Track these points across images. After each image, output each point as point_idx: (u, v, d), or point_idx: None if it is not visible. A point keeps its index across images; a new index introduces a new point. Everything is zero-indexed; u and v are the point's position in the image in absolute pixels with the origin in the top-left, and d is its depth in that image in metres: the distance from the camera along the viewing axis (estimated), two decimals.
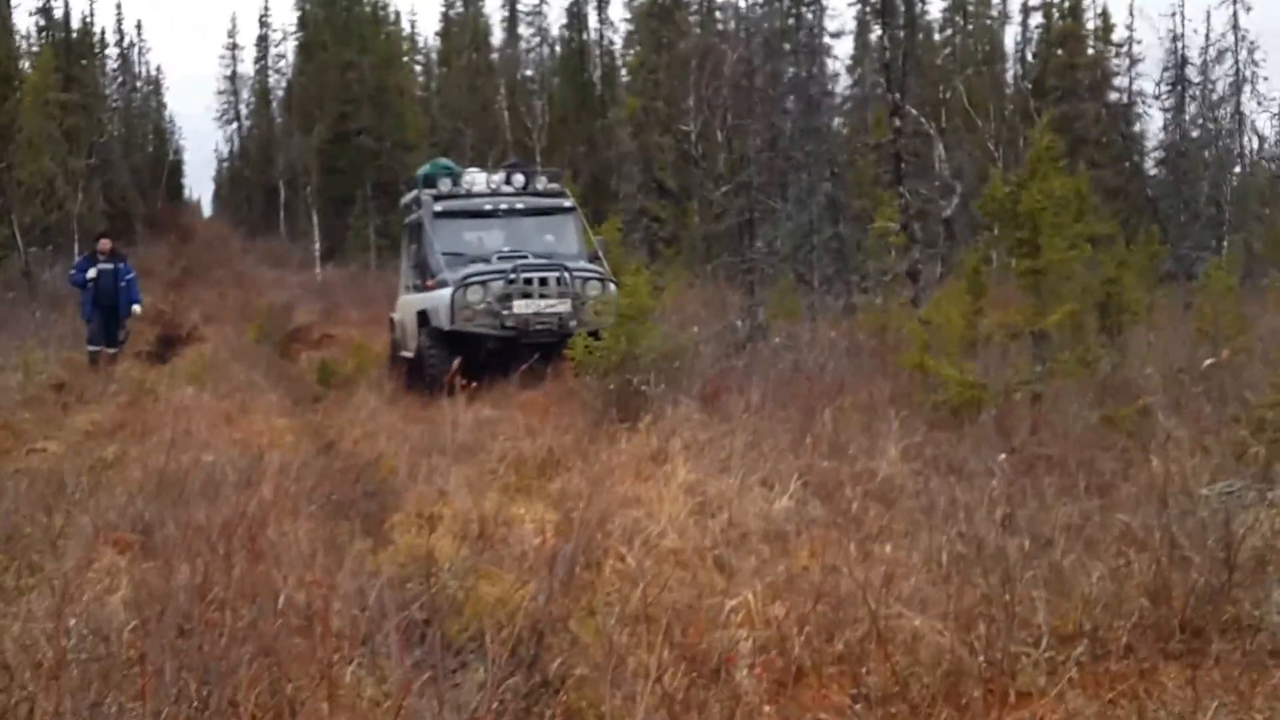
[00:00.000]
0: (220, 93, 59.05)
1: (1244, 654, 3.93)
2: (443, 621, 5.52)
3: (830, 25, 36.14)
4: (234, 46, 58.03)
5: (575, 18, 41.80)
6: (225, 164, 62.46)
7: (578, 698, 4.70)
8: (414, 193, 15.48)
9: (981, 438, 7.42)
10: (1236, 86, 29.22)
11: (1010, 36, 39.03)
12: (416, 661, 4.64)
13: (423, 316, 13.68)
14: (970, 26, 38.35)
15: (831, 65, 33.97)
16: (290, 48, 52.06)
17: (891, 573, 5.06)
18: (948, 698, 4.05)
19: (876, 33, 36.24)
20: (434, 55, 48.96)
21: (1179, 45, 29.00)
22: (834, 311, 16.62)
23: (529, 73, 44.21)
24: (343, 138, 39.83)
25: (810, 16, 30.68)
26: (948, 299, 11.08)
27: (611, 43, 41.87)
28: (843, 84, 34.60)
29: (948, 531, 5.46)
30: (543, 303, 12.88)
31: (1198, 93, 28.81)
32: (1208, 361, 7.68)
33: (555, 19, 43.83)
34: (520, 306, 12.80)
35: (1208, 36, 31.11)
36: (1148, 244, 15.24)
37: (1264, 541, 4.66)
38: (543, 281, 12.96)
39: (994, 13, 38.63)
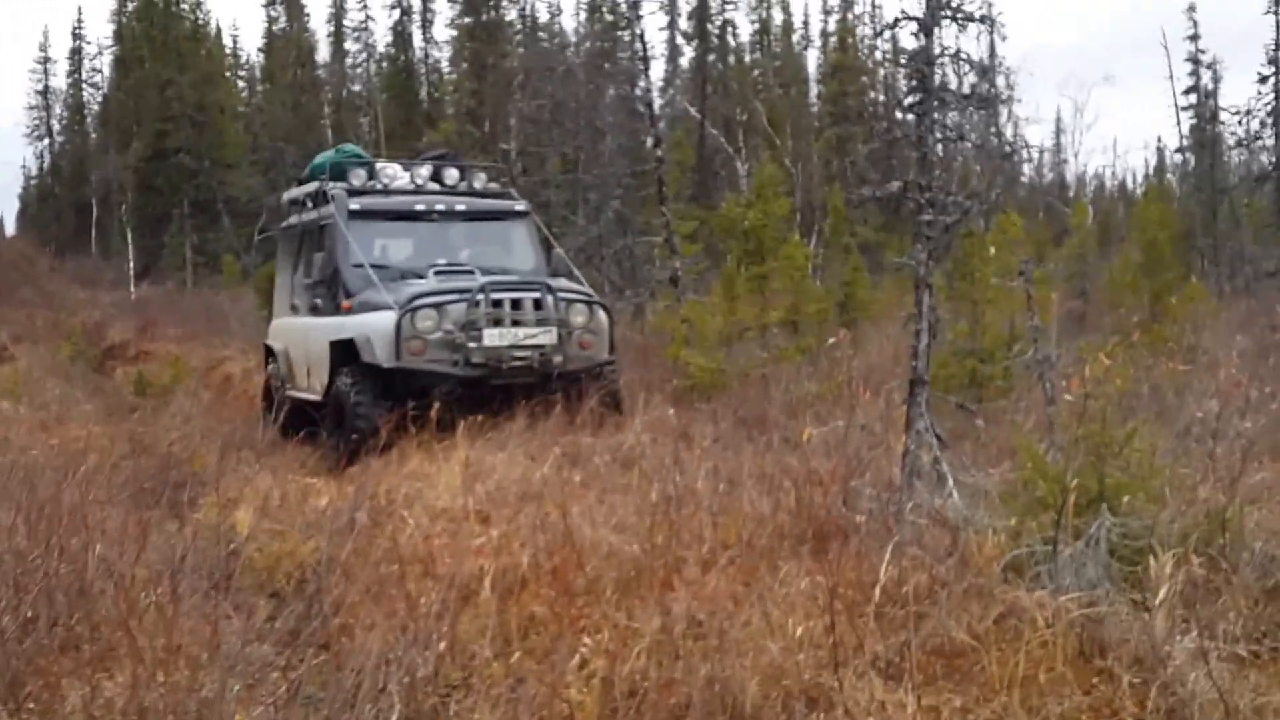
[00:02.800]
0: (31, 107, 57.85)
1: (848, 549, 5.36)
2: (238, 574, 6.70)
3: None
4: (46, 60, 56.96)
5: (400, 36, 42.74)
6: (34, 180, 61.30)
7: (348, 617, 5.94)
8: (308, 187, 12.87)
9: (713, 411, 9.24)
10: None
11: (813, 60, 41.57)
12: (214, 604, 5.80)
13: (342, 349, 10.84)
14: (777, 50, 40.66)
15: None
16: (106, 62, 51.84)
17: (611, 513, 6.50)
18: (627, 588, 5.43)
19: (687, 55, 38.31)
20: (257, 71, 49.32)
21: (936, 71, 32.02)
22: (625, 314, 18.20)
23: (356, 88, 44.93)
24: (160, 155, 40.08)
25: (627, 38, 32.42)
26: (710, 301, 12.86)
27: (438, 61, 42.97)
28: (655, 105, 36.37)
29: (665, 481, 6.82)
30: (520, 332, 10.35)
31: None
32: (829, 340, 9.68)
33: (381, 36, 44.35)
34: (492, 337, 10.25)
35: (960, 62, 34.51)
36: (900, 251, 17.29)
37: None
38: (517, 305, 10.43)
39: (797, 38, 41.10)
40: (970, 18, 6.31)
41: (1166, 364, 8.05)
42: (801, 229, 28.71)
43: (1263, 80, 25.95)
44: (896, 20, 6.37)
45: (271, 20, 46.27)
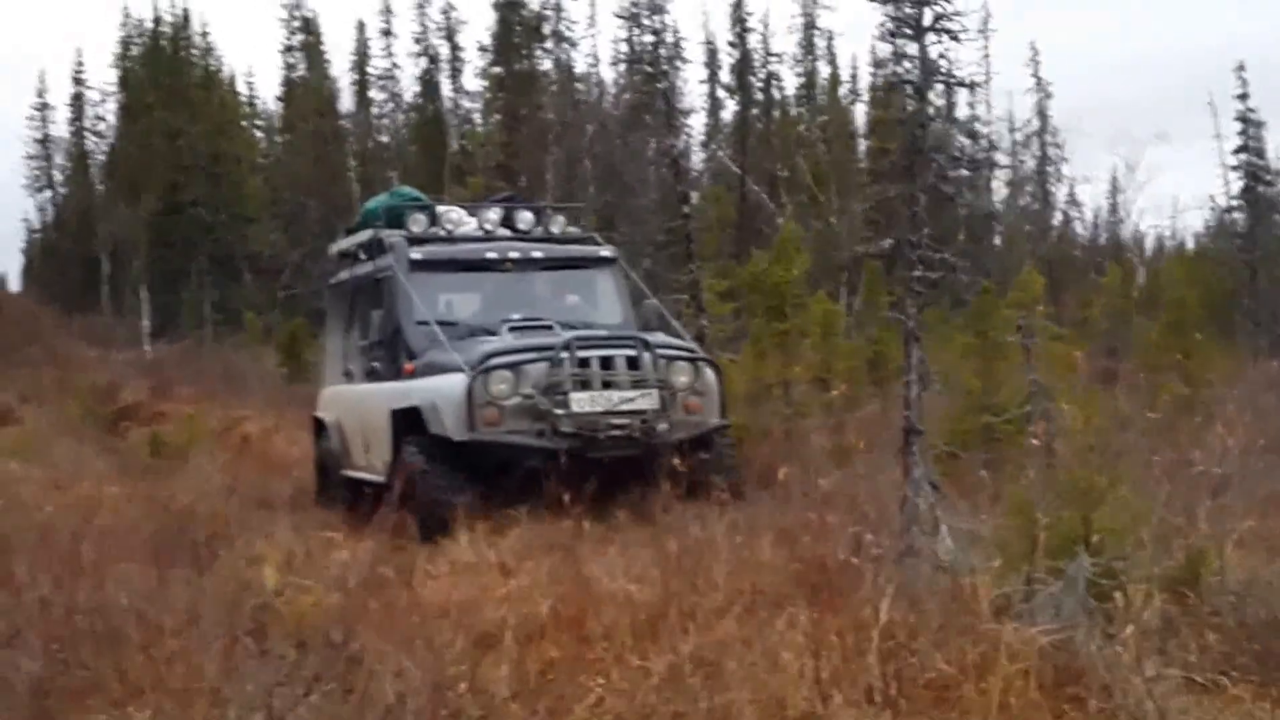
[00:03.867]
0: (30, 157, 56.08)
1: (849, 592, 6.00)
2: (266, 626, 7.37)
3: (683, 103, 38.84)
4: (44, 106, 56.20)
5: (428, 85, 43.56)
6: (38, 234, 60.85)
7: (373, 663, 6.60)
8: (360, 236, 12.23)
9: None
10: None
11: (860, 114, 42.32)
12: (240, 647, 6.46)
13: (405, 419, 10.01)
14: (823, 103, 41.46)
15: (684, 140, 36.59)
16: (111, 109, 51.63)
17: (631, 564, 7.20)
18: (641, 634, 6.10)
19: (730, 109, 39.18)
20: (275, 121, 50.01)
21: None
22: None
23: (383, 139, 45.53)
24: (174, 209, 40.87)
25: (664, 88, 33.38)
26: (738, 359, 13.53)
27: (468, 111, 43.74)
28: (696, 159, 37.25)
29: (683, 534, 7.48)
30: (615, 396, 9.47)
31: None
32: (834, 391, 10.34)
33: (408, 85, 45.05)
34: (581, 402, 9.37)
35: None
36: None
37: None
38: (608, 363, 9.59)
39: (844, 91, 41.88)
40: (961, 83, 7.01)
41: (1149, 415, 8.65)
42: (848, 285, 29.37)
43: None
44: (892, 84, 7.07)
45: (289, 67, 46.65)
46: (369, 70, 45.49)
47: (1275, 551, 6.75)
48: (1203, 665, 5.07)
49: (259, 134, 50.93)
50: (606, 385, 9.50)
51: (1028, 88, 40.13)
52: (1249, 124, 31.08)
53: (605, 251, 11.75)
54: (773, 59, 39.99)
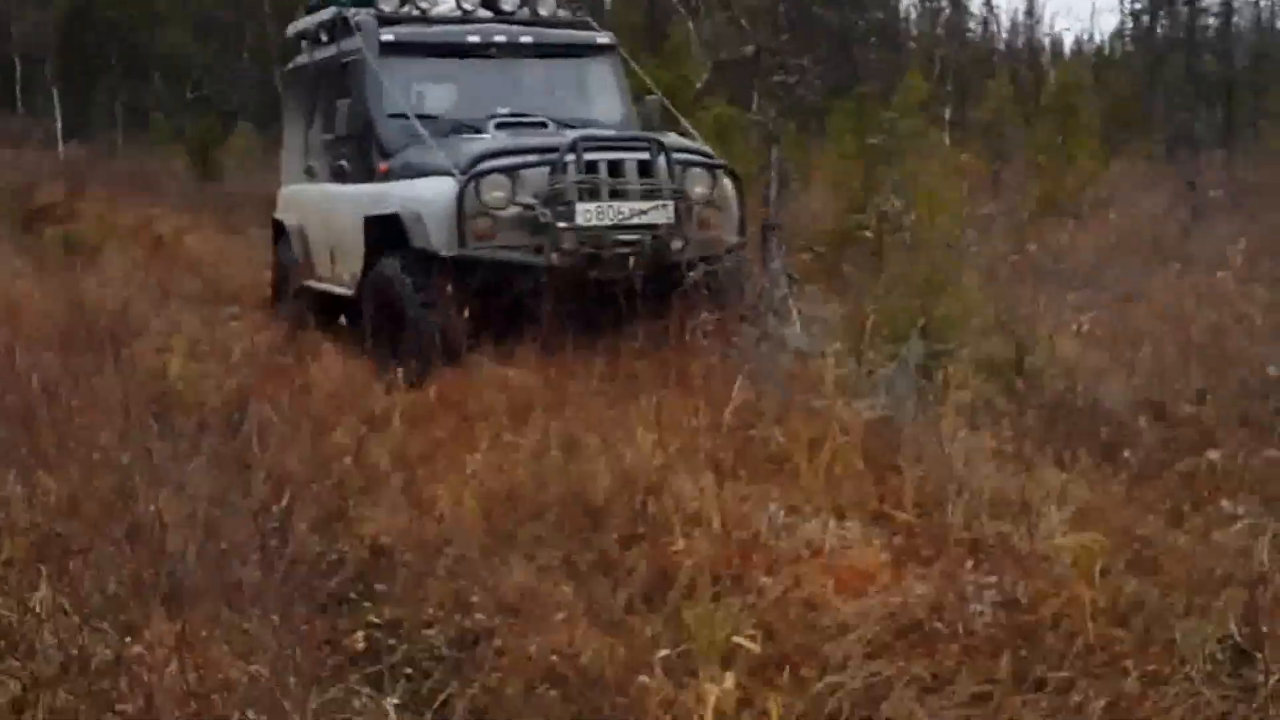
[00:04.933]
0: None
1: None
2: (169, 406, 7.68)
3: None
4: None
5: None
6: None
7: (268, 440, 6.94)
8: (322, 14, 10.49)
9: None
10: None
11: None
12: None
13: (382, 227, 8.72)
14: None
15: None
16: None
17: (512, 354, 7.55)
18: (517, 415, 6.49)
19: None
20: None
21: None
22: None
23: None
24: (84, 10, 39.96)
25: None
26: None
27: None
28: None
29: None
30: (625, 207, 8.12)
31: None
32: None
33: None
34: (587, 214, 8.02)
35: None
36: None
37: None
38: (617, 169, 8.22)
39: None
40: None
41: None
42: (759, 84, 29.24)
43: None
44: None
45: None
46: None
47: (1105, 341, 7.19)
48: (1015, 440, 5.50)
49: None
50: (614, 194, 8.12)
51: None
52: None
53: (603, 38, 10.22)
54: None
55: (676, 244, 8.14)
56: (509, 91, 9.57)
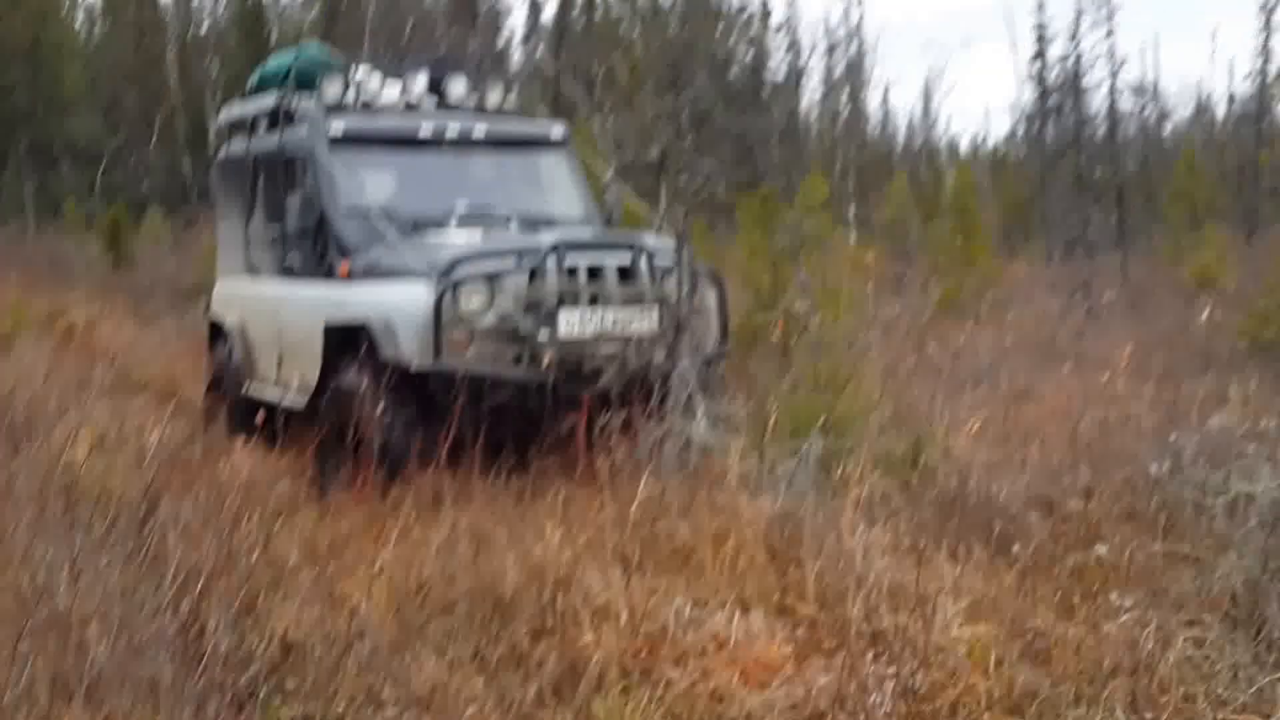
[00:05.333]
0: None
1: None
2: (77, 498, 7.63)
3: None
4: None
5: None
6: None
7: (176, 534, 6.93)
8: (262, 101, 9.95)
9: None
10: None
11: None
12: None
13: (342, 334, 8.07)
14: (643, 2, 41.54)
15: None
16: None
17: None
18: (426, 509, 6.53)
19: (550, 7, 39.06)
20: (96, 8, 48.66)
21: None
22: None
23: (203, 29, 44.62)
24: None
25: None
26: None
27: (288, 3, 42.97)
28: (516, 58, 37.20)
29: None
30: (608, 314, 7.63)
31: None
32: None
33: None
34: (570, 323, 7.50)
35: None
36: None
37: None
38: (596, 273, 7.67)
39: None
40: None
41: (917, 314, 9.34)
42: (667, 184, 29.70)
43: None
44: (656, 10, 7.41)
45: None
46: None
47: (998, 439, 7.43)
48: (911, 533, 5.68)
49: (80, 21, 49.52)
50: (594, 301, 7.58)
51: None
52: (1044, 33, 31.86)
53: (558, 131, 9.78)
54: None
55: (660, 354, 7.61)
56: (465, 185, 9.12)
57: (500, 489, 6.88)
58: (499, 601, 5.39)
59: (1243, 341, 12.07)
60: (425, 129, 9.14)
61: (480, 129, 9.29)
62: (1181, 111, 46.05)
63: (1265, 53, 29.89)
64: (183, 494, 7.28)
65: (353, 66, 9.71)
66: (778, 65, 34.63)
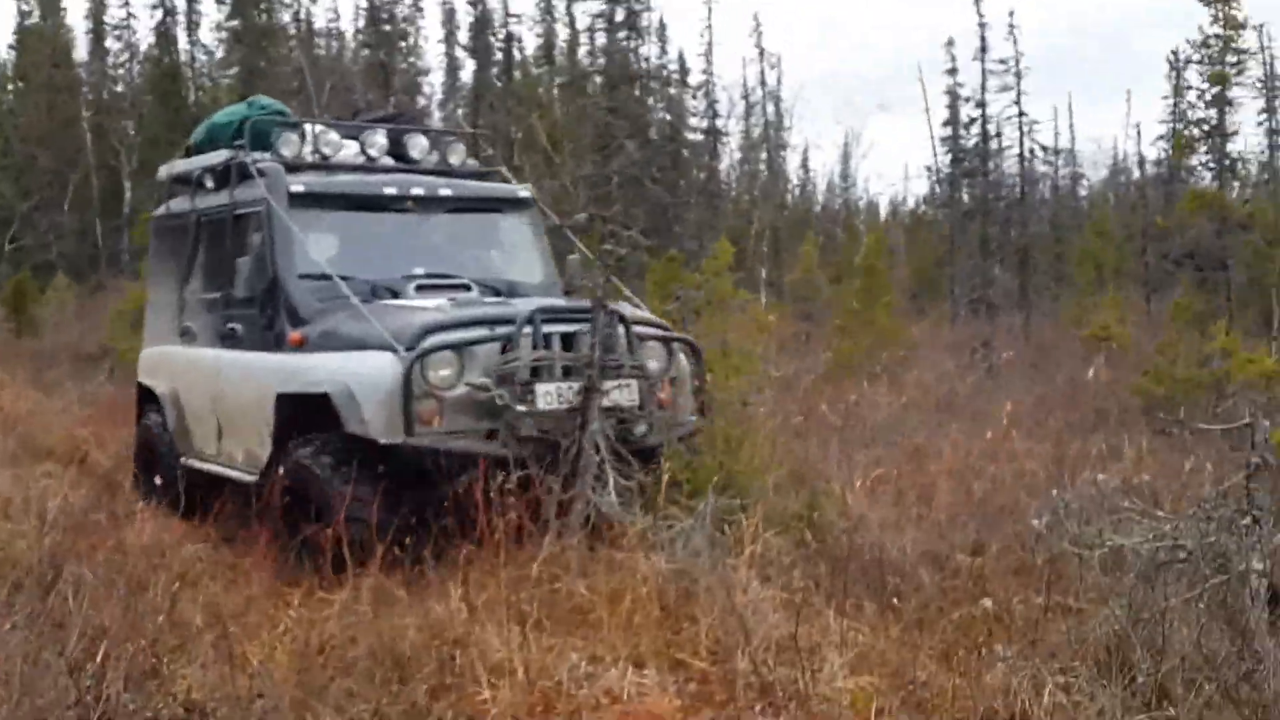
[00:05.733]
0: None
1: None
2: None
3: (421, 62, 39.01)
4: None
5: (164, 37, 42.56)
6: None
7: (81, 600, 6.97)
8: (211, 157, 9.27)
9: None
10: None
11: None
12: None
13: (296, 406, 7.70)
14: (562, 63, 42.08)
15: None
16: None
17: None
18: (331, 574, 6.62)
19: (468, 69, 39.40)
20: (7, 69, 48.25)
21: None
22: None
23: (119, 89, 44.41)
24: None
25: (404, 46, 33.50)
26: None
27: (206, 64, 42.97)
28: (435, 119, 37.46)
29: None
30: None
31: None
32: None
33: (145, 35, 43.78)
34: (547, 395, 7.14)
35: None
36: None
37: None
38: (570, 343, 7.34)
39: (584, 52, 42.52)
40: (644, 76, 7.61)
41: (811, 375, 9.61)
42: (591, 249, 29.93)
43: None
44: (583, 75, 7.63)
45: (23, 15, 45.28)
46: (105, 20, 44.19)
47: (891, 495, 7.68)
48: (803, 589, 5.87)
49: None
50: (567, 372, 7.22)
51: (751, 57, 41.60)
52: (957, 97, 32.61)
53: (522, 192, 9.42)
54: (512, 19, 40.33)
55: (640, 429, 7.28)
56: (424, 249, 8.76)
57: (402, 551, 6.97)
58: (399, 660, 5.51)
59: (1137, 399, 12.49)
60: (389, 188, 8.76)
61: (446, 189, 8.96)
62: (1095, 174, 47.18)
63: (1175, 114, 30.24)
64: (87, 558, 7.34)
65: (307, 122, 9.43)
66: (696, 126, 35.09)
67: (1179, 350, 12.51)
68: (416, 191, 8.78)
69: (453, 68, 40.49)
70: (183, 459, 9.23)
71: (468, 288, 8.41)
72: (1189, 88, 16.77)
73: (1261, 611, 5.23)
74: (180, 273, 9.57)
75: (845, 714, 4.64)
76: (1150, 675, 4.67)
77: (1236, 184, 18.29)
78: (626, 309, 7.70)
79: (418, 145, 9.41)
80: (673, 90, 36.32)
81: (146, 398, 9.94)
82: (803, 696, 4.76)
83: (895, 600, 6.07)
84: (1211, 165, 16.30)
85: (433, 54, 41.51)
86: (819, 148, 70.30)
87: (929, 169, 32.05)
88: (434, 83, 38.81)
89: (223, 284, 8.82)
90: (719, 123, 35.40)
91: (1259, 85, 30.12)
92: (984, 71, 26.55)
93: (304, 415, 7.56)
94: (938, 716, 4.77)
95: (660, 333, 7.86)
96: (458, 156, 9.62)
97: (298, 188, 8.46)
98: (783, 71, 51.57)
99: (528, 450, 6.95)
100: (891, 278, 30.99)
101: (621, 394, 7.25)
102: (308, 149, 8.99)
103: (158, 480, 9.49)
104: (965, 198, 28.10)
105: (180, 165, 9.95)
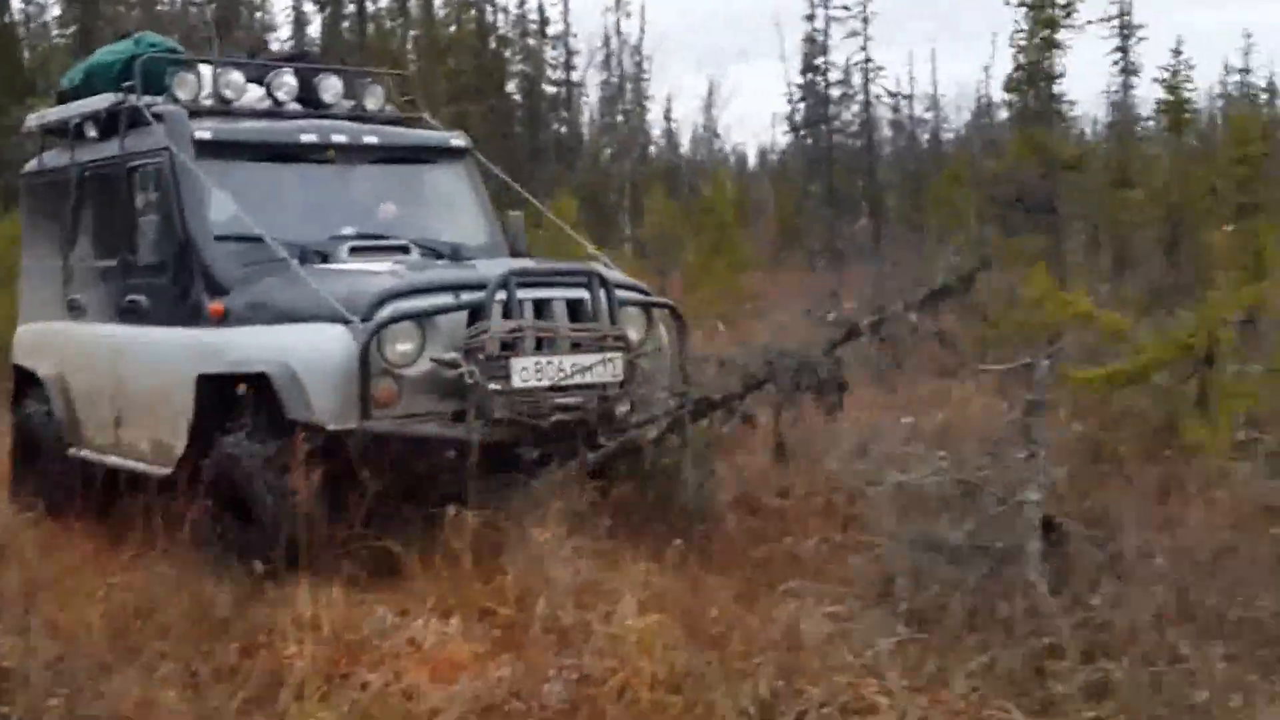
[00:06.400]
0: None
1: None
2: None
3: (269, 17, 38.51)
4: None
5: None
6: None
7: None
8: (93, 102, 8.20)
9: None
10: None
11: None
12: None
13: (222, 389, 6.80)
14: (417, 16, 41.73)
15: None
16: None
17: None
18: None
19: (318, 22, 38.88)
20: None
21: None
22: None
23: None
24: None
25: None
26: None
27: (42, 23, 41.88)
28: None
29: None
30: (567, 362, 6.55)
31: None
32: None
33: None
34: (524, 371, 6.43)
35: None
36: None
37: None
38: (542, 309, 6.68)
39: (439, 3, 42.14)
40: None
41: None
42: None
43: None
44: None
45: None
46: None
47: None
48: (612, 538, 6.20)
49: None
50: (538, 345, 6.54)
51: (609, 5, 41.40)
52: (815, 44, 32.87)
53: (456, 140, 8.48)
54: None
55: (624, 407, 6.74)
56: (352, 205, 7.89)
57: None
58: (213, 622, 5.76)
59: (972, 345, 12.99)
60: (310, 135, 7.75)
61: (372, 137, 7.96)
62: (960, 118, 48.01)
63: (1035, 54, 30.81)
64: None
65: (206, 61, 8.27)
66: (554, 79, 35.19)
67: (1012, 294, 12.98)
68: (339, 139, 7.80)
69: (300, 22, 39.83)
70: (72, 450, 8.24)
71: (406, 250, 7.54)
72: (1019, 31, 17.16)
73: (1035, 539, 5.63)
74: (63, 237, 8.46)
75: (632, 650, 4.98)
76: (910, 602, 5.08)
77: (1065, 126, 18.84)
78: (607, 271, 7.17)
79: (331, 88, 8.41)
80: (531, 41, 36.40)
81: (25, 381, 8.87)
82: (594, 637, 5.09)
83: (705, 544, 6.43)
84: (1039, 108, 16.80)
85: (279, 7, 40.73)
86: (680, 99, 69.95)
87: (787, 118, 32.39)
88: (281, 38, 38.10)
89: (118, 249, 7.86)
90: (575, 75, 35.57)
91: (1113, 27, 31.19)
92: (827, 18, 27.10)
93: (230, 399, 6.72)
94: (724, 649, 5.13)
95: (639, 296, 7.21)
96: (375, 100, 8.63)
97: (204, 134, 7.47)
98: (645, 21, 51.50)
99: (500, 434, 6.34)
100: (758, 229, 31.61)
101: (605, 368, 6.58)
102: (205, 92, 7.94)
103: (40, 475, 8.50)
104: (814, 147, 28.63)
105: (54, 113, 8.89)
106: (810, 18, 32.45)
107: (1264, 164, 18.31)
